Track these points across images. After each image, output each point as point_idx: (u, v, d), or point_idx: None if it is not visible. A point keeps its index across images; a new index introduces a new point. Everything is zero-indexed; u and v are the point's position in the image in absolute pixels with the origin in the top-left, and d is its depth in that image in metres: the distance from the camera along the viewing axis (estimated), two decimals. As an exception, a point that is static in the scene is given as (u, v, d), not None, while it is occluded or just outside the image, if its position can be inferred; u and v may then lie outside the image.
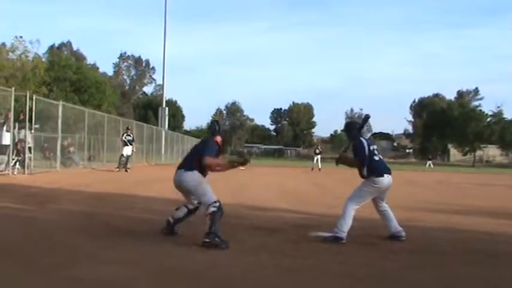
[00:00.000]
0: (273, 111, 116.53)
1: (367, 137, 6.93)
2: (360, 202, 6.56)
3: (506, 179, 29.73)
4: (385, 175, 6.54)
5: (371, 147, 6.58)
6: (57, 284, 4.25)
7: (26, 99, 17.41)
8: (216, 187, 7.08)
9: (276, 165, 46.38)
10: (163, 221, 6.58)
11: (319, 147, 36.31)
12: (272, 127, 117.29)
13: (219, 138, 6.50)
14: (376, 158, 6.59)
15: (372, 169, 6.49)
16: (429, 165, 58.26)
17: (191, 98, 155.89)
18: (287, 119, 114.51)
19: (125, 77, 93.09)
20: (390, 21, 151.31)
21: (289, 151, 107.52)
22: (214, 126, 6.74)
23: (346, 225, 6.37)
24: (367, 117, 7.14)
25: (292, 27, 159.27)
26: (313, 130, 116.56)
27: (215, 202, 5.93)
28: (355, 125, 7.10)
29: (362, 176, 6.57)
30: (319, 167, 32.63)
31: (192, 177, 6.16)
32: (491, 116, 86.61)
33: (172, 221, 6.53)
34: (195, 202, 6.42)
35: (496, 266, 5.49)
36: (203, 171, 6.24)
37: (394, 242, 6.41)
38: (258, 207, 7.33)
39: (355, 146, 6.62)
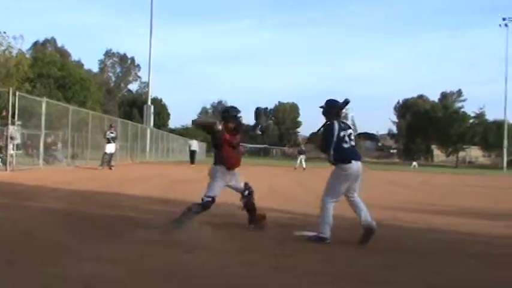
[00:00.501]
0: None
1: (344, 122, 6.62)
2: (334, 195, 6.37)
3: (488, 180, 30.05)
4: (354, 161, 6.33)
5: (342, 133, 6.33)
6: (40, 281, 4.20)
7: (8, 96, 17.22)
8: (199, 187, 7.11)
9: (261, 164, 46.41)
10: (149, 220, 6.56)
11: (302, 147, 36.33)
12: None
13: (229, 125, 6.93)
14: (346, 145, 6.34)
15: (339, 156, 6.30)
16: (414, 165, 58.78)
17: (177, 96, 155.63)
18: (273, 118, 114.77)
19: (110, 74, 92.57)
20: (376, 23, 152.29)
21: (274, 150, 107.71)
22: (223, 114, 7.17)
23: (327, 223, 6.29)
24: (346, 101, 6.58)
25: (279, 27, 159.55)
26: (298, 129, 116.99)
27: (207, 197, 6.63)
28: (336, 106, 6.58)
29: (329, 160, 6.43)
30: (304, 166, 32.70)
31: (210, 169, 6.91)
32: (474, 117, 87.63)
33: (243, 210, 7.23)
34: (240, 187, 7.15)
35: (478, 267, 5.54)
36: (222, 163, 6.83)
37: (377, 241, 6.31)
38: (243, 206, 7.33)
39: (325, 127, 6.46)
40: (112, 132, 23.28)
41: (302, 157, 33.67)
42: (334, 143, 6.31)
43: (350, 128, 6.55)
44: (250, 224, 7.22)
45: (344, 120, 6.59)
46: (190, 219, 6.64)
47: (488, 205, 13.08)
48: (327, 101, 6.65)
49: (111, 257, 5.17)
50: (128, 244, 5.82)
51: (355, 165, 6.34)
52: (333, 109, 6.54)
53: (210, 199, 6.70)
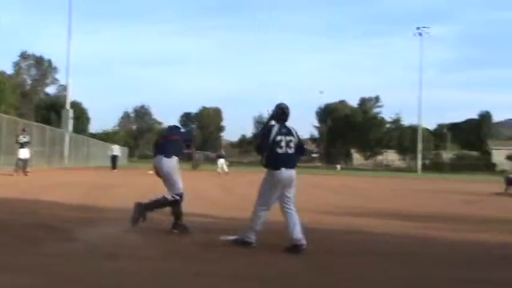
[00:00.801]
0: (182, 115, 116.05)
1: (288, 128, 6.34)
2: (264, 202, 6.25)
3: (404, 183, 31.29)
4: (283, 168, 6.14)
5: (278, 137, 6.16)
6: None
7: None
8: (121, 191, 6.96)
9: (184, 169, 46.07)
10: (69, 227, 6.35)
11: (222, 152, 36.35)
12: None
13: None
14: (280, 150, 6.15)
15: (270, 161, 6.19)
16: (338, 168, 60.66)
17: (98, 100, 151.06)
18: (196, 122, 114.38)
19: (26, 76, 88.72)
20: (299, 28, 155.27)
21: (197, 155, 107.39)
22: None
23: (252, 228, 6.24)
24: (281, 106, 6.41)
25: (202, 30, 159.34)
26: (222, 134, 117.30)
27: (177, 195, 7.01)
28: (285, 112, 6.37)
29: (261, 163, 6.33)
30: (226, 170, 32.71)
31: (165, 165, 7.17)
32: (390, 122, 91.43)
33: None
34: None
35: (395, 266, 5.78)
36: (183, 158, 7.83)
37: (303, 239, 6.22)
38: (166, 212, 7.25)
39: (263, 130, 6.40)
40: (24, 137, 22.29)
41: (222, 161, 33.66)
42: (269, 146, 6.20)
43: (292, 135, 6.33)
44: (174, 229, 7.16)
45: (290, 127, 6.38)
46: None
47: (403, 207, 13.64)
48: (276, 104, 6.51)
49: (29, 265, 4.97)
50: (47, 252, 5.61)
51: (286, 173, 6.17)
52: (276, 113, 6.40)
53: (179, 197, 7.03)
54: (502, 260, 6.33)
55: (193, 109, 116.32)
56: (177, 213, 7.19)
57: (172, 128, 7.66)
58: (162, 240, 6.63)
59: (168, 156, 7.10)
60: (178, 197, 7.02)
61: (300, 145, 6.43)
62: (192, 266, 5.26)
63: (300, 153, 6.46)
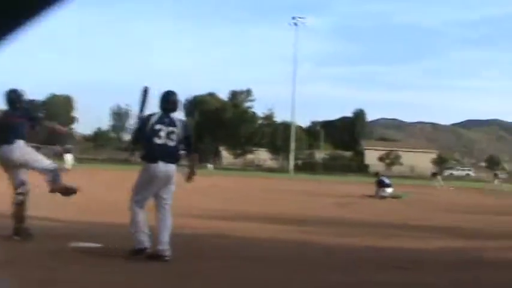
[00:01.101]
0: (26, 102, 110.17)
1: (172, 118, 6.21)
2: (139, 197, 6.06)
3: (275, 184, 32.32)
4: (161, 162, 5.97)
5: (158, 126, 6.01)
6: None
7: None
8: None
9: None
10: None
11: (69, 146, 35.13)
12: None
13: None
14: (158, 140, 5.98)
15: (146, 152, 6.09)
16: (210, 168, 61.34)
17: None
18: (43, 111, 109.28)
19: None
20: (163, 14, 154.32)
21: (43, 150, 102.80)
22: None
23: (139, 232, 5.92)
24: (146, 89, 6.45)
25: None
26: (73, 126, 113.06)
27: (53, 164, 7.15)
28: (169, 100, 6.27)
29: (139, 156, 6.26)
30: (69, 166, 31.58)
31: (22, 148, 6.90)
32: (262, 118, 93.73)
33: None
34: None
35: (266, 271, 6.00)
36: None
37: (168, 250, 6.11)
38: (4, 215, 6.87)
39: (140, 116, 6.32)
40: None
41: (69, 156, 32.53)
42: (146, 135, 6.03)
43: (175, 126, 6.17)
44: (16, 235, 6.76)
45: (177, 118, 6.29)
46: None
47: (275, 210, 14.12)
48: (145, 88, 6.50)
49: None
50: None
51: (163, 167, 5.99)
52: (143, 99, 6.39)
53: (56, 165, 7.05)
54: (373, 264, 6.79)
55: (40, 96, 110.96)
56: (19, 217, 6.80)
57: (13, 100, 7.28)
58: (1, 247, 6.28)
59: (12, 142, 6.65)
60: (55, 165, 7.01)
61: (186, 138, 6.32)
62: (35, 274, 5.09)
63: (184, 148, 6.38)
